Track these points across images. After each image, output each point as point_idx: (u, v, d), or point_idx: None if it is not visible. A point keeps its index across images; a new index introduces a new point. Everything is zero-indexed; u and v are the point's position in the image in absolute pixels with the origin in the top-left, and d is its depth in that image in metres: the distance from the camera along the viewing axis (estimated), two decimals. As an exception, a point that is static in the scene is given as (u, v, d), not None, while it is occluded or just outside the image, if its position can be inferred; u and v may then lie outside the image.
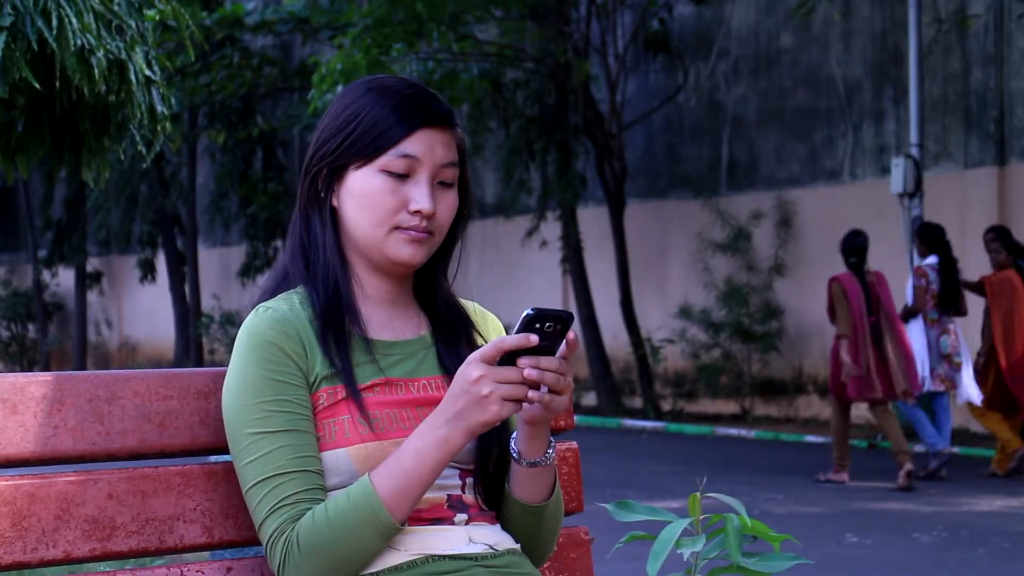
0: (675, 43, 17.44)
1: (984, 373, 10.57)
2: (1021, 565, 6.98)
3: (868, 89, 15.47)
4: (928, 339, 10.37)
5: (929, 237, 10.60)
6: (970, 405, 10.52)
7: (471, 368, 1.88)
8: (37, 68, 5.69)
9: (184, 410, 2.06)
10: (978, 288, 10.68)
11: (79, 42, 5.58)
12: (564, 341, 1.90)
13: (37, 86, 5.57)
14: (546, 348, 1.88)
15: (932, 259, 10.52)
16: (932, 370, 10.31)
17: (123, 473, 1.99)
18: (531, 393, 1.89)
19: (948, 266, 10.49)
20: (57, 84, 5.71)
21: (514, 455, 2.04)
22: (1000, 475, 10.43)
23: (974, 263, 14.27)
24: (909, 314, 10.40)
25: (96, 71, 5.63)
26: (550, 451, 2.03)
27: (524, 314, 1.86)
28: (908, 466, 9.66)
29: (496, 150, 18.47)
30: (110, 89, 5.81)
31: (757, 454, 12.55)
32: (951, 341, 10.39)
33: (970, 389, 10.35)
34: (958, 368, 10.37)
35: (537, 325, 1.86)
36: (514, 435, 2.04)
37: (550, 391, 1.90)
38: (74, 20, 5.54)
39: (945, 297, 10.42)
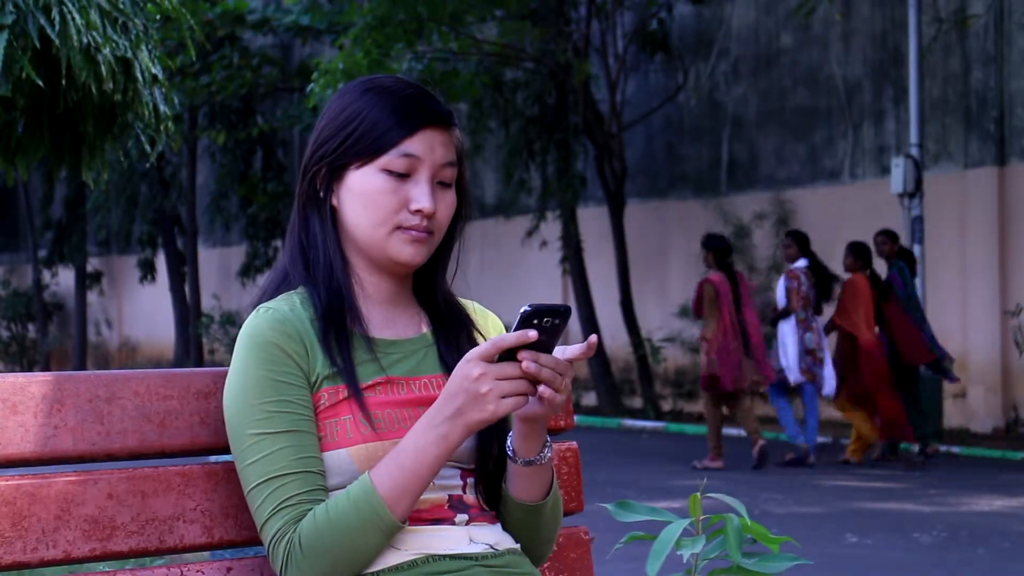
0: (675, 43, 17.45)
1: (841, 368, 11.42)
2: (1021, 565, 6.98)
3: (868, 89, 15.47)
4: (798, 335, 11.24)
5: (802, 241, 11.52)
6: (835, 398, 11.51)
7: (470, 366, 1.88)
8: (38, 67, 5.68)
9: (184, 410, 2.06)
10: (834, 326, 11.52)
11: (85, 40, 5.57)
12: (586, 345, 1.90)
13: (40, 83, 5.56)
14: (544, 343, 1.88)
15: (802, 262, 11.33)
16: (801, 366, 11.24)
17: (123, 473, 1.99)
18: (540, 388, 1.89)
19: (818, 267, 11.41)
20: (63, 82, 5.71)
21: (509, 454, 2.04)
22: (854, 463, 11.41)
23: (972, 263, 14.29)
24: (783, 314, 11.28)
25: (103, 69, 5.63)
26: (546, 450, 2.03)
27: (521, 311, 1.86)
28: (761, 442, 10.87)
29: (496, 150, 18.47)
30: (116, 88, 5.80)
31: (757, 454, 12.55)
32: (814, 338, 11.27)
33: (831, 382, 11.28)
34: (820, 363, 11.22)
35: (535, 321, 1.86)
36: (510, 433, 2.04)
37: (549, 388, 1.90)
38: (77, 17, 5.53)
39: (820, 296, 11.38)
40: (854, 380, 11.25)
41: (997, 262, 14.03)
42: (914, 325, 11.42)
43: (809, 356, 11.20)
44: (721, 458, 11.09)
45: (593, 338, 1.90)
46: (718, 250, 11.04)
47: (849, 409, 11.47)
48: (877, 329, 11.38)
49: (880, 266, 11.96)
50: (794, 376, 11.19)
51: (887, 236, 11.86)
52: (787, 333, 11.23)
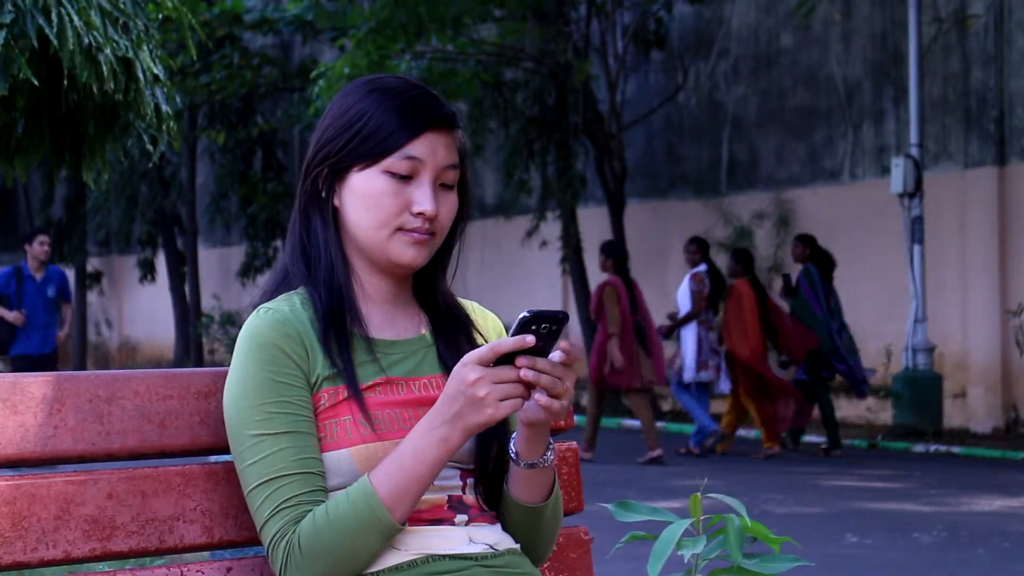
0: (675, 43, 17.44)
1: (729, 365, 12.15)
2: (1021, 565, 6.98)
3: (868, 89, 15.47)
4: (699, 335, 12.07)
5: (704, 248, 12.43)
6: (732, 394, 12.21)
7: (467, 370, 1.89)
8: (38, 67, 5.68)
9: (184, 410, 2.06)
10: (722, 336, 12.22)
11: (87, 40, 5.57)
12: (559, 347, 1.91)
13: (36, 83, 5.56)
14: (541, 349, 1.89)
15: (703, 266, 12.15)
16: (704, 363, 12.02)
17: (123, 473, 1.99)
18: (537, 396, 1.89)
19: (715, 272, 12.30)
20: (65, 83, 5.71)
21: (512, 456, 2.04)
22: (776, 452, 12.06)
23: (972, 263, 14.29)
24: (691, 317, 12.05)
25: (104, 69, 5.63)
26: (549, 452, 2.04)
27: (520, 317, 1.87)
28: (655, 452, 11.33)
29: (496, 150, 18.47)
30: (117, 87, 5.80)
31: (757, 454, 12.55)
32: (715, 337, 12.13)
33: (724, 380, 12.16)
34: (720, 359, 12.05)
35: (533, 327, 1.87)
36: (513, 436, 2.04)
37: (549, 394, 1.90)
38: (75, 17, 5.53)
39: (712, 298, 12.22)
40: (746, 379, 11.96)
41: (997, 262, 14.03)
42: (793, 320, 12.05)
43: (714, 354, 12.02)
44: (593, 450, 11.60)
45: (564, 343, 1.91)
46: (617, 257, 11.71)
47: (750, 404, 12.03)
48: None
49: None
50: (690, 375, 11.96)
51: (799, 241, 12.56)
52: (688, 333, 12.02)
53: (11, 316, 11.47)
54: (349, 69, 14.25)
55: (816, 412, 12.44)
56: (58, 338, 11.85)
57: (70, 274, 26.26)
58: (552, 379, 1.89)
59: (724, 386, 12.14)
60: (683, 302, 12.15)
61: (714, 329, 12.09)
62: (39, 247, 11.66)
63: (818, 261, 12.27)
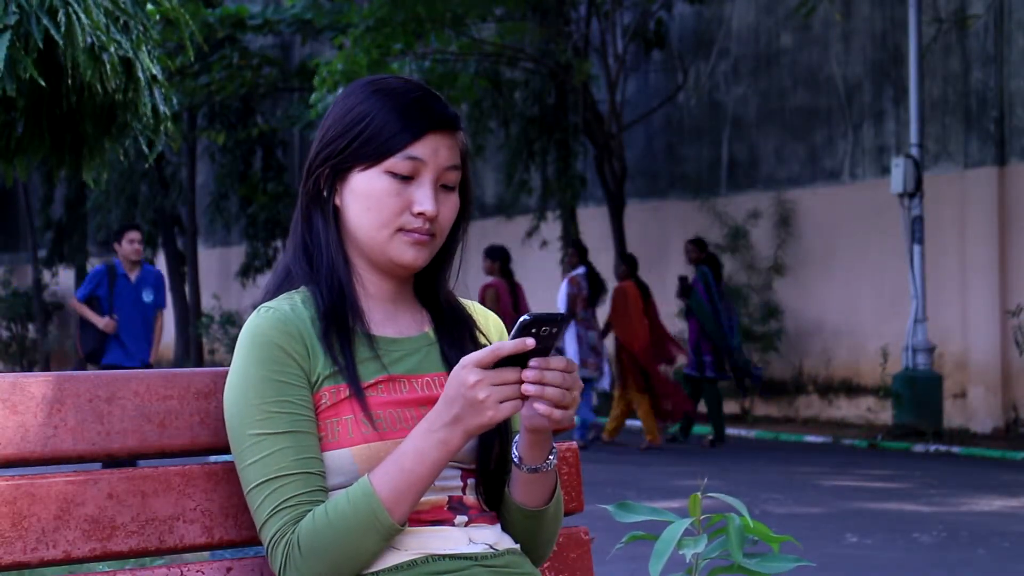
0: (675, 43, 17.44)
1: (618, 362, 12.78)
2: (1021, 565, 6.98)
3: (868, 89, 15.47)
4: (578, 333, 12.62)
5: (582, 251, 13.13)
6: (621, 389, 12.78)
7: (467, 373, 1.89)
8: (39, 68, 5.68)
9: (184, 410, 2.06)
10: (609, 328, 12.94)
11: (90, 40, 5.57)
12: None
13: (42, 83, 5.56)
14: (542, 351, 1.89)
15: (580, 270, 12.53)
16: (583, 360, 12.59)
17: (123, 473, 1.99)
18: (537, 405, 1.90)
19: (593, 275, 12.90)
20: (69, 81, 5.71)
21: (515, 460, 2.04)
22: (607, 441, 12.84)
23: (972, 263, 14.28)
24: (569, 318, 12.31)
25: (108, 68, 5.63)
26: (551, 457, 2.04)
27: (520, 320, 1.87)
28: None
29: (496, 151, 18.47)
30: (118, 87, 5.81)
31: (757, 454, 12.56)
32: (596, 336, 12.78)
33: (607, 376, 12.91)
34: (601, 357, 12.68)
35: (533, 330, 1.87)
36: (516, 439, 2.04)
37: (556, 406, 1.90)
38: (83, 17, 5.53)
39: (592, 299, 12.80)
40: (635, 374, 12.51)
41: (997, 262, 14.03)
42: (659, 331, 12.76)
43: (593, 353, 12.61)
44: None
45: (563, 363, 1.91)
46: (503, 260, 12.55)
47: (637, 398, 12.58)
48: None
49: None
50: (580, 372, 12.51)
51: (694, 244, 13.34)
52: (568, 335, 12.60)
53: (102, 323, 10.01)
54: (344, 66, 14.23)
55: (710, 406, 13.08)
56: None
57: (70, 274, 26.28)
58: (559, 391, 1.89)
59: (606, 383, 12.83)
60: (561, 305, 12.68)
61: (594, 328, 12.71)
62: (128, 245, 10.12)
63: (710, 263, 12.95)
